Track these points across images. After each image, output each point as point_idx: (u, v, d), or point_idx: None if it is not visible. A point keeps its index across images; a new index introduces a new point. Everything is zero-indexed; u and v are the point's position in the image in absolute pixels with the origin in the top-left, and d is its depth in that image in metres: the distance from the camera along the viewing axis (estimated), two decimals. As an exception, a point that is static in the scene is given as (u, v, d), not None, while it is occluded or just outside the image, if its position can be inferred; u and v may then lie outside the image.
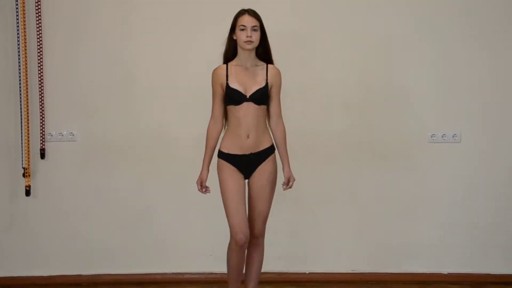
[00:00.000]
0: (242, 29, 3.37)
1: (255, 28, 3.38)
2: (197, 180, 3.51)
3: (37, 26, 4.17)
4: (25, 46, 4.16)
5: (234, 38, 3.43)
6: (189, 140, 4.18)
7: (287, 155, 3.56)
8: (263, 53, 3.48)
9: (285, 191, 3.57)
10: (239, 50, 3.45)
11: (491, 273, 4.34)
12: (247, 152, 3.44)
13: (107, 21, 4.24)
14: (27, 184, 4.23)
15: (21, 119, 4.20)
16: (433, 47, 4.23)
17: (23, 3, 4.14)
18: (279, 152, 3.53)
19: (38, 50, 4.18)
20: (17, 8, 4.13)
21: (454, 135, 4.26)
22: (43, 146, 4.25)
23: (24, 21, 4.14)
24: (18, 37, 4.15)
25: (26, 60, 4.17)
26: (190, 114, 4.23)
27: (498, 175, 4.30)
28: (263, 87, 3.42)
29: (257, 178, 3.47)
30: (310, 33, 4.24)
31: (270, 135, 3.53)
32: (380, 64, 4.25)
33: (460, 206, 4.32)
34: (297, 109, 4.20)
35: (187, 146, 4.20)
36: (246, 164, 3.46)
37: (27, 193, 4.23)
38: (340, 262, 4.37)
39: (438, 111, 4.26)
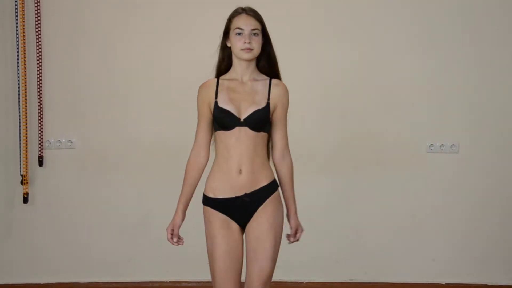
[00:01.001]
0: (239, 33, 2.62)
1: (255, 32, 2.63)
2: (168, 227, 2.79)
3: (37, 31, 4.16)
4: (24, 52, 4.15)
5: (229, 45, 2.69)
6: (187, 147, 4.14)
7: (294, 198, 2.77)
8: (267, 65, 2.73)
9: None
10: (235, 61, 2.69)
11: (490, 283, 4.31)
12: (240, 193, 2.65)
13: (106, 25, 4.24)
14: (25, 191, 4.23)
15: (20, 126, 4.20)
16: (433, 56, 4.21)
17: (23, 8, 4.14)
18: (283, 194, 2.78)
19: (37, 57, 4.18)
20: (16, 15, 4.14)
21: (452, 145, 4.24)
22: (42, 154, 4.24)
23: (23, 26, 4.13)
24: (18, 43, 4.15)
25: (25, 67, 4.17)
26: (188, 121, 4.19)
27: (496, 185, 4.28)
28: (263, 108, 2.66)
29: (255, 228, 2.65)
30: (307, 38, 4.22)
31: (271, 169, 2.75)
32: (378, 73, 4.24)
33: (459, 216, 4.30)
34: (297, 116, 4.19)
35: (185, 154, 4.16)
36: (240, 209, 2.66)
37: (25, 200, 4.23)
38: (338, 271, 4.35)
39: (437, 121, 4.25)
